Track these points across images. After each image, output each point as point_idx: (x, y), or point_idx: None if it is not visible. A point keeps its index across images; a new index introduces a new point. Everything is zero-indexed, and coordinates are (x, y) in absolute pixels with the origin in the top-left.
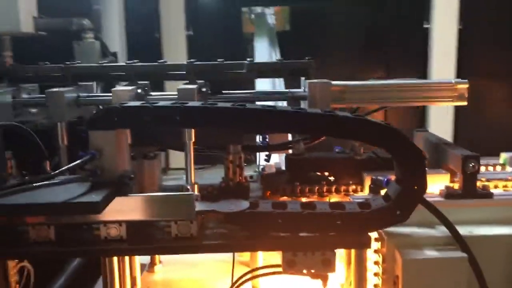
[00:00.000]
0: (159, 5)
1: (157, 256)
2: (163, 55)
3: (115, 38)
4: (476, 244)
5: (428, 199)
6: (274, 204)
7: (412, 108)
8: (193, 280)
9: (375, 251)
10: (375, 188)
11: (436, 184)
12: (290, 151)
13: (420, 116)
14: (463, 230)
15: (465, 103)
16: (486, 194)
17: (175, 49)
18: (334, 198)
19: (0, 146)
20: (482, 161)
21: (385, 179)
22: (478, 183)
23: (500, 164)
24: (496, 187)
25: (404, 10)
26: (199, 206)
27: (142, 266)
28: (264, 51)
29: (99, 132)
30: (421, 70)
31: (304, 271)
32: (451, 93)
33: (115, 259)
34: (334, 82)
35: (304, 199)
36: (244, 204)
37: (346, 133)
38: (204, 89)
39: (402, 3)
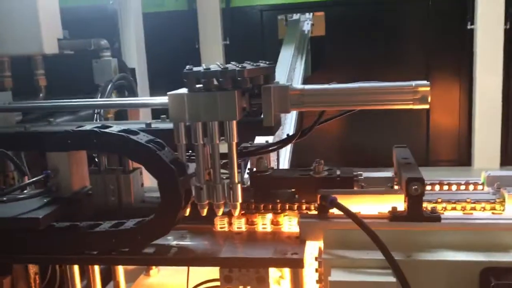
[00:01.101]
0: (198, 20)
1: None
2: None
3: (134, 56)
4: (414, 268)
5: (374, 220)
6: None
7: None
8: (183, 285)
9: (316, 270)
10: (322, 206)
11: (390, 204)
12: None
13: None
14: (403, 254)
15: (427, 106)
16: (431, 217)
17: (213, 57)
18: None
19: None
20: (462, 180)
21: (331, 198)
22: (429, 205)
23: (481, 184)
24: (444, 209)
25: (447, 12)
26: None
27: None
28: (287, 56)
29: (54, 154)
30: (467, 71)
31: (241, 287)
32: (412, 96)
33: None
34: (292, 86)
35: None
36: None
37: (110, 149)
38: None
39: (444, 5)
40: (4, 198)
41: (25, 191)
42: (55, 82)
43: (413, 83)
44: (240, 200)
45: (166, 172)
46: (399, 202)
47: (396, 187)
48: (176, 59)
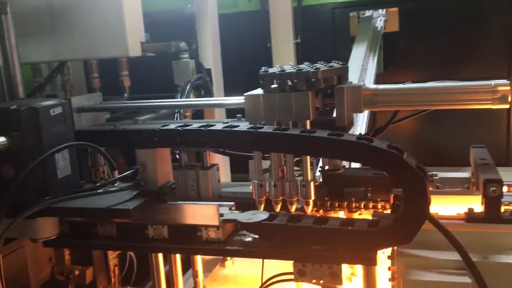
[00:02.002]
0: (270, 19)
1: None
2: (273, 63)
3: (210, 57)
4: (491, 270)
5: (450, 221)
6: (290, 217)
7: None
8: (257, 277)
9: (389, 268)
10: (395, 205)
11: (466, 205)
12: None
13: None
14: (480, 256)
15: (507, 106)
16: (510, 219)
17: (284, 56)
18: (366, 214)
19: (74, 162)
20: None
21: None
22: (509, 207)
23: None
24: None
25: None
26: (227, 215)
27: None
28: (359, 54)
29: (142, 150)
30: None
31: (314, 281)
32: (491, 96)
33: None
34: (365, 86)
35: (337, 214)
36: (264, 216)
37: (347, 156)
38: None
39: None
40: (100, 190)
41: (116, 184)
42: (138, 82)
43: (492, 82)
44: (312, 197)
45: (413, 178)
46: (476, 204)
47: (473, 188)
48: (248, 58)
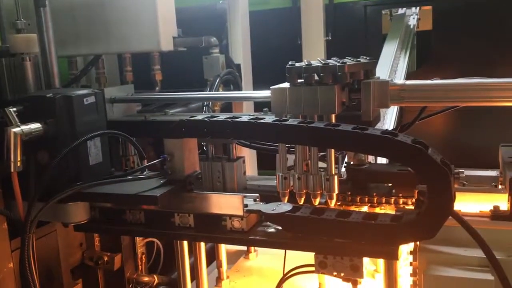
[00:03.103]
0: (301, 16)
1: None
2: (303, 59)
3: (240, 52)
4: None
5: (474, 218)
6: (313, 210)
7: None
8: (280, 270)
9: (410, 264)
10: (419, 201)
11: (492, 203)
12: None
13: None
14: (504, 254)
15: None
16: None
17: (315, 53)
18: (389, 210)
19: (105, 150)
20: None
21: None
22: None
23: None
24: None
25: None
26: (251, 206)
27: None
28: (389, 51)
29: (170, 140)
30: None
31: (335, 273)
32: None
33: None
34: (392, 81)
35: (360, 208)
36: (287, 207)
37: (372, 150)
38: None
39: None
40: (129, 177)
41: (144, 173)
42: (169, 77)
43: None
44: (336, 191)
45: (437, 173)
46: (502, 202)
47: (500, 186)
48: (278, 55)
